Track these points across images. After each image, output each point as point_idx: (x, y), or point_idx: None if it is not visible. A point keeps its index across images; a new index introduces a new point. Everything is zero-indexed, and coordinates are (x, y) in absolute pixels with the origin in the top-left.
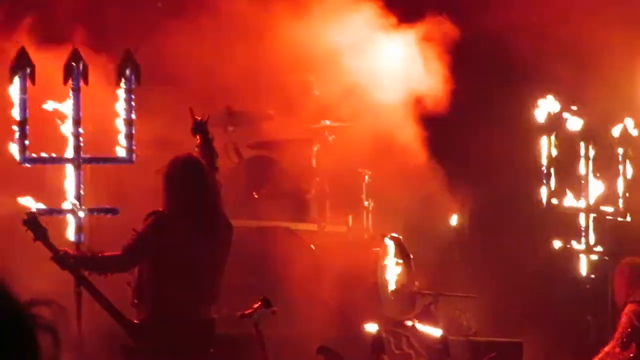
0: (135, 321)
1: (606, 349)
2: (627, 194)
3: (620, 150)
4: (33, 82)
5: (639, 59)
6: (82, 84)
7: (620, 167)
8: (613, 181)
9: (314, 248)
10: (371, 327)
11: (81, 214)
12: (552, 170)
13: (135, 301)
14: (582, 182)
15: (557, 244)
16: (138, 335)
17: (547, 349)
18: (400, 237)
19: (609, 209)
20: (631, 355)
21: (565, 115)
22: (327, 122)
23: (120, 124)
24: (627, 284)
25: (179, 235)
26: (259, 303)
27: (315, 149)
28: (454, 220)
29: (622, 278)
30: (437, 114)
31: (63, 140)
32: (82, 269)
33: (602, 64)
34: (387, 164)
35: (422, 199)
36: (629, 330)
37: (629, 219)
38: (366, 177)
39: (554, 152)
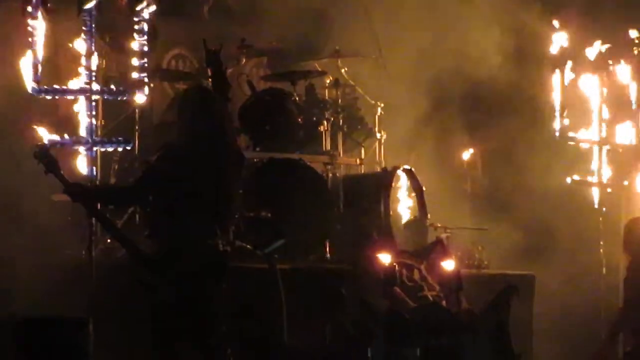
0: (149, 253)
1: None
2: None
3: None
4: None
5: None
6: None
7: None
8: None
9: (327, 180)
10: (384, 259)
11: (94, 146)
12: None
13: (148, 233)
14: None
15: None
16: (151, 267)
17: (558, 282)
18: (413, 169)
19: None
20: None
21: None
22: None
23: (133, 57)
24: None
25: (190, 166)
26: (272, 235)
27: (328, 81)
28: (466, 154)
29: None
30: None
31: (77, 73)
32: (94, 201)
33: None
34: (401, 97)
35: (436, 132)
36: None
37: None
38: (379, 109)
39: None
